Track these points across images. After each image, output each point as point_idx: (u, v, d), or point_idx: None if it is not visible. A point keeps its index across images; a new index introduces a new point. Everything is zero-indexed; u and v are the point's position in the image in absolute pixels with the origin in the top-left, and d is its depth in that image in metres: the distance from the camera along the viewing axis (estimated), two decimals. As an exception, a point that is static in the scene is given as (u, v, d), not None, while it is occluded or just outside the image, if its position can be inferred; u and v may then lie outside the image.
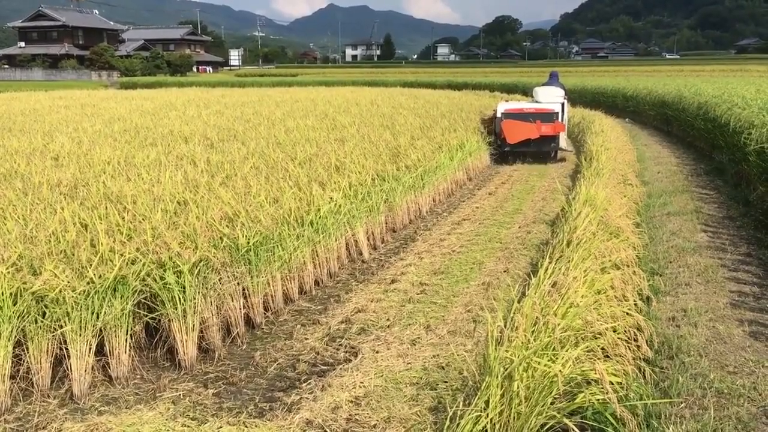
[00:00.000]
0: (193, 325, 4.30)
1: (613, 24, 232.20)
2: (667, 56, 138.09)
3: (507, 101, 16.28)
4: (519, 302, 3.71)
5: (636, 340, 3.91)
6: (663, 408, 3.43)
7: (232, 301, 4.64)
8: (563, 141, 13.64)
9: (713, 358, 4.11)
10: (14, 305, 3.70)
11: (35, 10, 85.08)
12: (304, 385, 3.99)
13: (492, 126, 13.84)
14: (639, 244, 6.09)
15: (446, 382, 3.97)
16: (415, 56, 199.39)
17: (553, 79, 15.07)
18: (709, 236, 7.08)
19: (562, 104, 13.69)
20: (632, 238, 5.92)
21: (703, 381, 3.77)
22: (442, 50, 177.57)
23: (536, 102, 13.90)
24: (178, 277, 4.20)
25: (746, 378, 3.84)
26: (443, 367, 4.17)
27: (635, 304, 4.38)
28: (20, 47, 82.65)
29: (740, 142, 9.03)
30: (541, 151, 13.45)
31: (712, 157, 12.28)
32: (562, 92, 14.14)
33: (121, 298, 4.02)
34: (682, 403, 3.53)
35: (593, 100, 26.04)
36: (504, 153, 13.49)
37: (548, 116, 12.99)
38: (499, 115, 13.35)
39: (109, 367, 4.09)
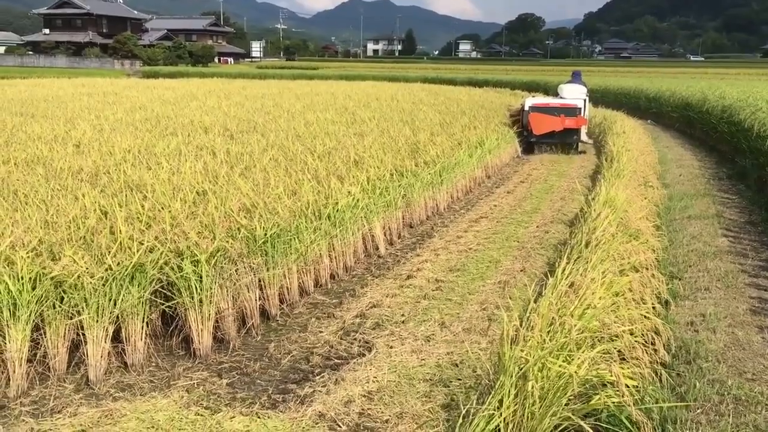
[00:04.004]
0: (209, 315, 4.32)
1: (638, 24, 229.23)
2: (692, 58, 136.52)
3: (533, 96, 17.68)
4: (535, 302, 3.68)
5: (653, 344, 3.88)
6: (679, 413, 3.39)
7: (248, 292, 4.66)
8: (584, 134, 14.89)
9: (731, 364, 4.06)
10: (33, 290, 3.74)
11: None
12: (318, 378, 4.00)
13: (519, 118, 15.04)
14: (658, 246, 6.03)
15: (460, 379, 3.96)
16: (437, 52, 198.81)
17: (576, 78, 15.94)
18: (730, 241, 6.99)
19: (585, 100, 14.93)
20: (652, 240, 5.86)
21: (720, 387, 3.73)
22: (464, 47, 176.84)
23: (561, 98, 15.04)
24: (195, 266, 4.22)
25: (765, 385, 3.79)
26: (457, 365, 4.16)
27: (653, 308, 4.34)
28: (45, 34, 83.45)
29: (764, 146, 8.91)
30: (564, 141, 14.61)
31: (734, 160, 12.12)
32: (584, 90, 15.29)
33: (138, 286, 4.05)
34: (698, 408, 3.49)
35: (615, 100, 25.81)
36: (530, 143, 14.68)
37: (572, 111, 14.21)
38: (526, 108, 14.56)
39: (125, 354, 4.13)
